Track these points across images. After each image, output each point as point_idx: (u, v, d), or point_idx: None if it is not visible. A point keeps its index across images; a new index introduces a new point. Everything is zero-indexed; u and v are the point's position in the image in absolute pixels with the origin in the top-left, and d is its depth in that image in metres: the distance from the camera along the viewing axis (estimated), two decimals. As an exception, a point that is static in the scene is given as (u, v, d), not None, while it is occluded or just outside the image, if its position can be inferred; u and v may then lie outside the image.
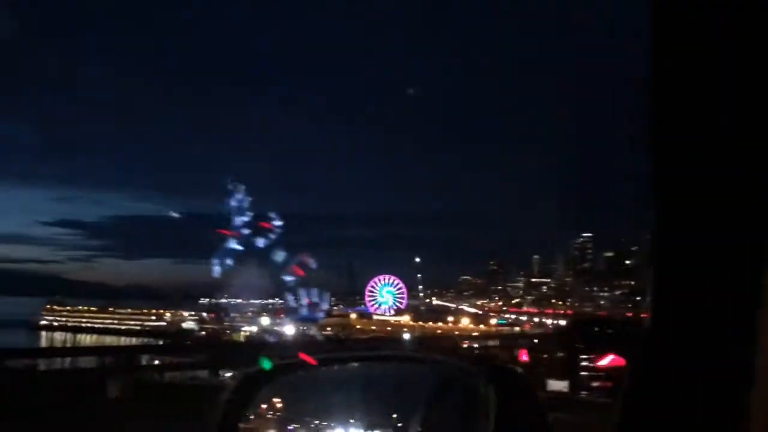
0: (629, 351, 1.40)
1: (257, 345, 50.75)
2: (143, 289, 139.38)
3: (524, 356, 41.08)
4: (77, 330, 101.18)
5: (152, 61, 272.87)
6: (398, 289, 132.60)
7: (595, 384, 30.93)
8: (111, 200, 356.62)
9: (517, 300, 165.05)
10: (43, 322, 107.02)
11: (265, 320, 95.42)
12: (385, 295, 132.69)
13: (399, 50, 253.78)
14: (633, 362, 1.30)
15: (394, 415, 2.93)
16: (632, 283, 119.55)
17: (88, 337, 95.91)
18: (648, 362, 1.25)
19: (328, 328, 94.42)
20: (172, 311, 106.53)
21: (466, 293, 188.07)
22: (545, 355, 41.26)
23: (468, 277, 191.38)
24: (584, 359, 33.36)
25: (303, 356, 2.77)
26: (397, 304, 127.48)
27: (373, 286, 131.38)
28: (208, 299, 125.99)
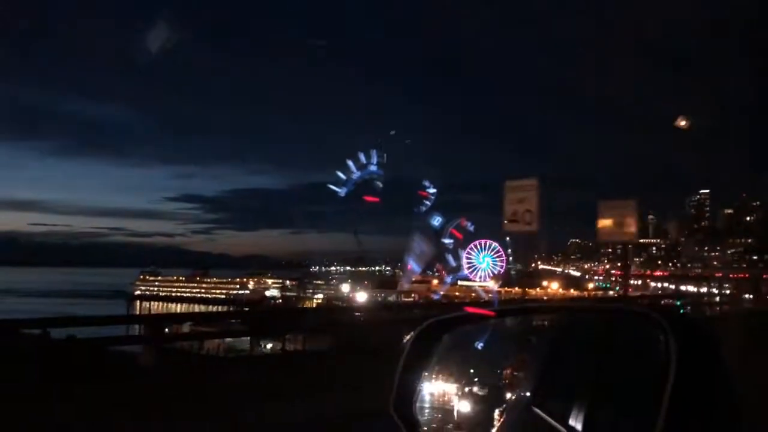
0: None
1: (315, 312, 48.61)
2: (261, 259, 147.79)
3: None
4: (168, 299, 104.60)
5: (264, 45, 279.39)
6: (497, 254, 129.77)
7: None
8: (227, 175, 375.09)
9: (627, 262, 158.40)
10: (137, 293, 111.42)
11: (345, 287, 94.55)
12: (483, 260, 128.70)
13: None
14: None
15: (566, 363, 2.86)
16: (749, 241, 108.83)
17: (178, 306, 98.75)
18: None
19: (413, 295, 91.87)
20: (257, 279, 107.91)
21: (573, 257, 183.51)
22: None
23: (577, 240, 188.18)
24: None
25: (478, 310, 2.89)
26: (497, 269, 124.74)
27: (470, 252, 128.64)
28: (317, 267, 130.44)
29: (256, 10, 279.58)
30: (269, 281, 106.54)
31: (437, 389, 3.72)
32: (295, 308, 65.57)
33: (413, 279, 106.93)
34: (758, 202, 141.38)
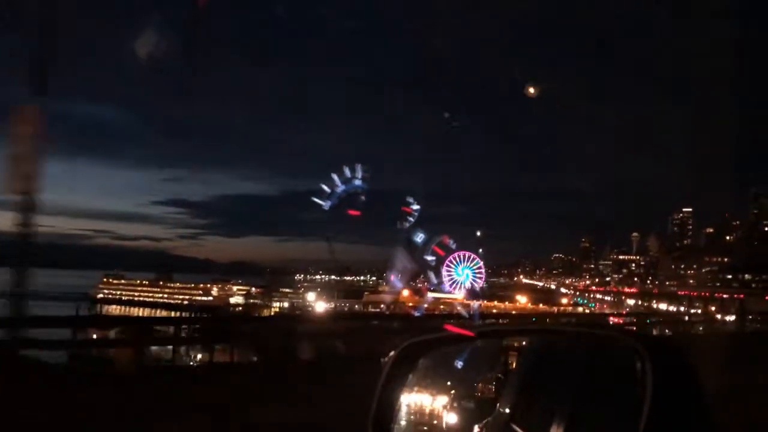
0: None
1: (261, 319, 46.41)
2: (247, 266, 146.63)
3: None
4: (131, 303, 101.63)
5: (258, 49, 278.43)
6: (477, 267, 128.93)
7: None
8: (216, 180, 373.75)
9: (607, 279, 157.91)
10: (100, 296, 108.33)
11: (310, 296, 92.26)
12: (462, 273, 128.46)
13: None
14: None
15: (546, 387, 2.92)
16: (725, 260, 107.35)
17: (140, 310, 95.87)
18: None
19: (382, 305, 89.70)
20: (223, 285, 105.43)
21: (555, 271, 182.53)
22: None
23: (560, 255, 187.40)
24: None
25: (456, 329, 2.89)
26: (476, 281, 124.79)
27: (449, 265, 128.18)
28: (301, 275, 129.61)
29: (249, 15, 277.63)
30: (234, 288, 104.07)
31: (420, 401, 3.78)
32: (239, 316, 63.02)
33: (382, 290, 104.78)
34: (738, 222, 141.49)
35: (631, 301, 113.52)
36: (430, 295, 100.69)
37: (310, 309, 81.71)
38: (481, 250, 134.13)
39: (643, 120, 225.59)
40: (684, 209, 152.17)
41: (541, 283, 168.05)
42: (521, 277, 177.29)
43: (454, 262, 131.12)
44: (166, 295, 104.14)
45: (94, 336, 31.99)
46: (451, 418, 3.86)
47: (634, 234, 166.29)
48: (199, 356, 29.52)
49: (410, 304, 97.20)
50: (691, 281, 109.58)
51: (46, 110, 17.99)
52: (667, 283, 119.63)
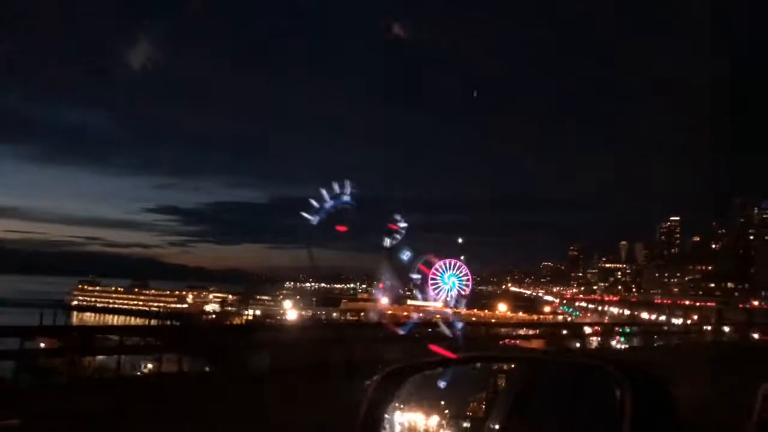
0: None
1: (233, 329, 44.96)
2: (238, 273, 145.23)
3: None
4: (105, 311, 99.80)
5: (247, 58, 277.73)
6: (463, 275, 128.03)
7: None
8: (207, 187, 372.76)
9: (594, 287, 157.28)
10: (74, 303, 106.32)
11: (287, 303, 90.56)
12: (448, 281, 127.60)
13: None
14: None
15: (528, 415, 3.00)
16: (709, 268, 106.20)
17: (114, 318, 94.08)
18: None
19: (362, 313, 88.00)
20: (197, 292, 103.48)
21: (543, 279, 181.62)
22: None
23: (549, 263, 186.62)
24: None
25: (443, 352, 3.04)
26: (462, 289, 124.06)
27: (435, 272, 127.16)
28: (291, 282, 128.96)
29: (241, 21, 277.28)
30: (210, 295, 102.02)
31: (414, 420, 3.84)
32: (203, 325, 61.53)
33: (362, 298, 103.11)
34: (724, 230, 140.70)
35: (614, 309, 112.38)
36: (410, 302, 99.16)
37: (281, 317, 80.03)
38: (463, 257, 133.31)
39: (632, 129, 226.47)
40: (672, 218, 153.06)
41: (528, 292, 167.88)
42: (509, 285, 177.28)
43: (441, 269, 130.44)
44: (140, 302, 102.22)
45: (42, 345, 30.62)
46: None
47: (623, 242, 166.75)
48: (150, 366, 28.42)
49: (389, 312, 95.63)
50: (675, 290, 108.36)
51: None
52: (651, 291, 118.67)
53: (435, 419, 3.94)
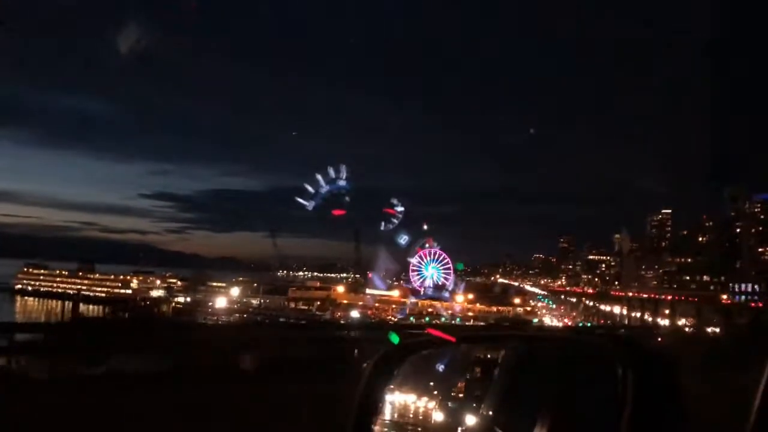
0: None
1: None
2: (234, 261, 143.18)
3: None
4: (49, 295, 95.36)
5: (246, 47, 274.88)
6: (444, 265, 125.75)
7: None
8: (205, 175, 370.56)
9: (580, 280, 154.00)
10: (18, 287, 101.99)
11: (234, 291, 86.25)
12: (429, 270, 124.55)
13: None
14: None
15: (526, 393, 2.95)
16: (688, 260, 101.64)
17: (56, 303, 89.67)
18: None
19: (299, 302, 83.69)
20: (145, 277, 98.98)
21: (532, 271, 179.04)
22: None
23: (540, 255, 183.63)
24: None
25: (438, 333, 2.96)
26: (442, 279, 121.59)
27: (418, 261, 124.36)
28: (285, 271, 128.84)
29: (241, 10, 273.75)
30: (158, 281, 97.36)
31: (405, 400, 3.91)
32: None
33: (312, 285, 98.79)
34: (711, 223, 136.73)
35: (590, 302, 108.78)
36: (369, 291, 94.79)
37: (209, 307, 75.92)
38: (428, 245, 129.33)
39: (624, 121, 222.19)
40: (663, 211, 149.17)
41: (516, 283, 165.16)
42: (497, 277, 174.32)
43: (424, 259, 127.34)
44: (85, 287, 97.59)
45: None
46: (438, 416, 3.95)
47: (617, 235, 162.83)
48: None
49: (345, 301, 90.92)
50: (654, 283, 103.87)
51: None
52: (632, 284, 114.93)
53: (425, 400, 3.93)
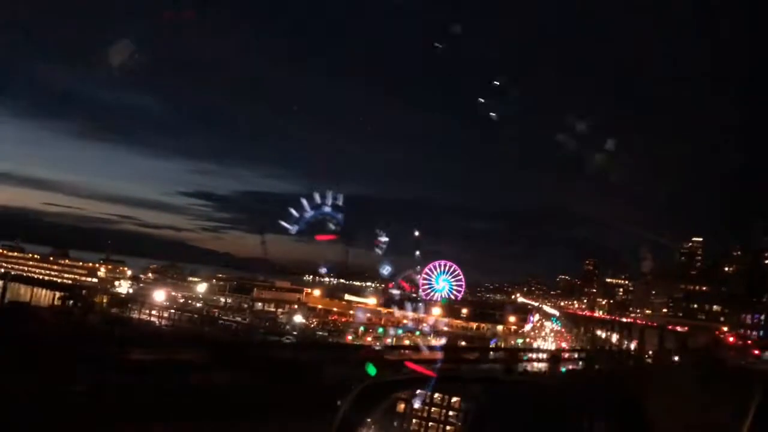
0: None
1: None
2: (261, 262, 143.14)
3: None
4: (18, 279, 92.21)
5: (291, 53, 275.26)
6: (455, 278, 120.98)
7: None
8: (244, 176, 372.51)
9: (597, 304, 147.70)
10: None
11: (201, 288, 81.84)
12: (440, 283, 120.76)
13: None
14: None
15: None
16: (698, 288, 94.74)
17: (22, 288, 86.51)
18: None
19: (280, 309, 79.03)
20: (115, 267, 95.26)
21: (553, 292, 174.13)
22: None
23: (566, 277, 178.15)
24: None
25: (422, 370, 2.83)
26: (453, 293, 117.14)
27: (429, 272, 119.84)
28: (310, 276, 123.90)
29: (292, 14, 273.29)
30: (128, 271, 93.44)
31: None
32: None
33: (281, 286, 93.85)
34: (739, 252, 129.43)
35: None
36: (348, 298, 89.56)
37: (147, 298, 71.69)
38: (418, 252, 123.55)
39: (657, 147, 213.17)
40: (694, 239, 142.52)
41: (536, 303, 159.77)
42: (517, 296, 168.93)
43: (435, 271, 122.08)
44: (55, 273, 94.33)
45: None
46: None
47: (646, 261, 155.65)
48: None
49: (319, 306, 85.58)
50: (664, 310, 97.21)
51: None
52: (639, 310, 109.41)
53: None
